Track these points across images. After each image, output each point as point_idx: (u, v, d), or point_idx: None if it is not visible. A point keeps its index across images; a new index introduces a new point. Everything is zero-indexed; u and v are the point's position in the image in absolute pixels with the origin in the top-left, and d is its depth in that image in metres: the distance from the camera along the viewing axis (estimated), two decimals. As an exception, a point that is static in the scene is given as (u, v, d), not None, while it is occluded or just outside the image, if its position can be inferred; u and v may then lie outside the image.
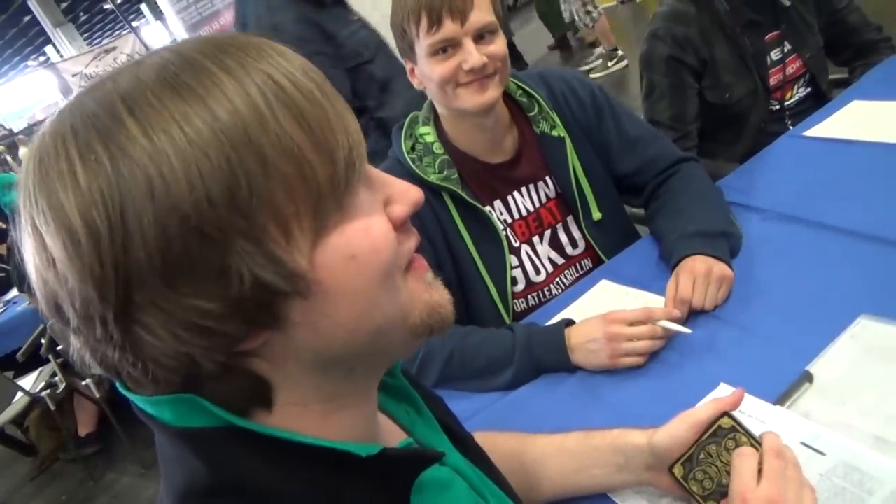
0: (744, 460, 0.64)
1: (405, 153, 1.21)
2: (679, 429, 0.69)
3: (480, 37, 1.10)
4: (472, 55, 1.09)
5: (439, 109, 1.24)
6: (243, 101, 0.37)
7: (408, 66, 1.19)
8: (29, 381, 3.16)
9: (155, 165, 0.35)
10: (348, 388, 0.47)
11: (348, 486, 0.44)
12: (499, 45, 1.13)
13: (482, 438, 0.84)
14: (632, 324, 0.98)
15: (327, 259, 0.40)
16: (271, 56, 0.40)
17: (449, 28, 1.08)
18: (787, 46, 1.69)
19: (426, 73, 1.14)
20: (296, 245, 0.39)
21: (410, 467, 0.48)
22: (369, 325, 0.43)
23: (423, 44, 1.11)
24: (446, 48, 1.10)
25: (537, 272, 1.30)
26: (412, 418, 0.59)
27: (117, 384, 0.42)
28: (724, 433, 0.68)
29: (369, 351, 0.45)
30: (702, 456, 0.68)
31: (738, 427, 0.67)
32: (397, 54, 1.29)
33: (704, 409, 0.69)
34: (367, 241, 0.42)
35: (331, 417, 0.46)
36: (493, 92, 1.14)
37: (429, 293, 0.47)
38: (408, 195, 0.46)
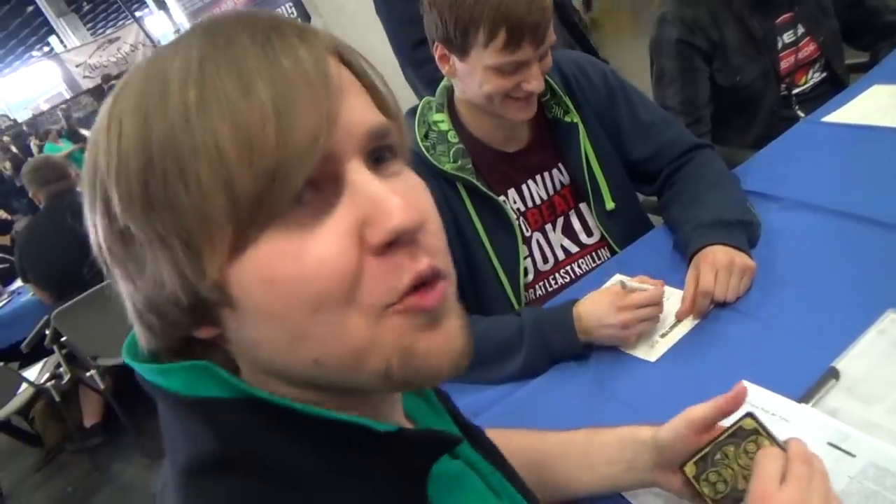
0: (769, 461, 0.59)
1: (419, 141, 1.17)
2: (680, 425, 0.66)
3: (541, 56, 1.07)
4: (538, 80, 1.06)
5: (461, 97, 1.19)
6: (177, 97, 0.36)
7: (439, 52, 1.12)
8: (34, 372, 3.15)
9: (104, 154, 0.37)
10: (343, 391, 0.42)
11: (364, 464, 0.41)
12: (550, 59, 1.10)
13: (492, 435, 0.81)
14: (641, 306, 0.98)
15: (244, 277, 0.36)
16: (244, 49, 0.36)
17: (526, 52, 1.03)
18: (801, 29, 1.64)
19: (476, 78, 1.08)
20: (210, 256, 0.36)
21: (429, 450, 0.44)
22: (304, 354, 0.39)
23: (488, 56, 1.04)
24: (514, 67, 1.05)
25: (545, 261, 1.27)
26: (423, 412, 0.56)
27: (124, 354, 0.42)
28: (744, 434, 0.63)
29: (326, 379, 0.40)
30: (718, 456, 0.63)
31: (760, 430, 0.63)
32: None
33: (705, 406, 0.65)
34: (292, 266, 0.36)
35: (331, 401, 0.42)
36: (535, 104, 1.13)
37: (412, 338, 0.39)
38: (388, 219, 0.37)
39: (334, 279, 0.36)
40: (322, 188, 0.38)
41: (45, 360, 3.21)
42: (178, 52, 0.37)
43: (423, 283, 0.39)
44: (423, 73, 1.77)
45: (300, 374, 0.40)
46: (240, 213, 0.35)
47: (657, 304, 0.99)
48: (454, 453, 0.52)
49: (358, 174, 0.38)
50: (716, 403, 0.64)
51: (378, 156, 0.41)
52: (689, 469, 0.64)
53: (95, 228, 0.39)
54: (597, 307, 1.00)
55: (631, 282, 1.02)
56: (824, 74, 1.71)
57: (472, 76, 1.09)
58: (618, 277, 1.04)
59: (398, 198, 0.38)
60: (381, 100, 0.44)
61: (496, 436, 0.81)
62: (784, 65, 1.65)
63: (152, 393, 0.41)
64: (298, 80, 0.36)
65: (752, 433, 0.63)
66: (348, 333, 0.38)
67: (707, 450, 0.64)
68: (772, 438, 0.62)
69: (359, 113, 0.40)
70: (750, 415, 0.64)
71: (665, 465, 0.68)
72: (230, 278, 0.37)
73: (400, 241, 0.38)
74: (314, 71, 0.37)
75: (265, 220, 0.36)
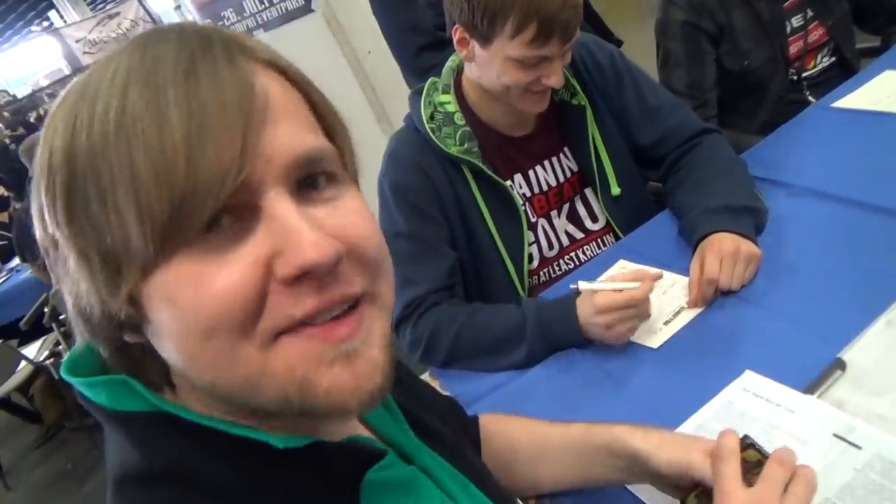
0: (724, 463, 0.57)
1: (425, 122, 1.15)
2: (680, 469, 0.63)
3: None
4: (558, 75, 1.04)
5: (471, 80, 1.17)
6: (100, 118, 0.36)
7: (458, 35, 1.08)
8: (33, 350, 3.15)
9: (39, 159, 0.38)
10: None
11: (280, 477, 0.41)
12: (570, 54, 1.08)
13: (489, 420, 0.80)
14: (623, 308, 0.93)
15: (152, 295, 0.37)
16: (180, 74, 0.36)
17: (553, 48, 1.01)
18: (810, 13, 1.61)
19: (495, 68, 1.06)
20: (125, 274, 0.36)
21: (351, 463, 0.44)
22: (203, 378, 0.39)
23: (513, 48, 1.01)
24: (537, 61, 1.03)
25: (550, 247, 1.25)
26: (380, 416, 0.55)
27: (62, 369, 0.43)
28: (749, 467, 0.59)
29: (233, 400, 0.40)
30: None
31: (764, 459, 0.59)
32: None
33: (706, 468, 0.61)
34: (191, 292, 0.36)
35: (258, 416, 0.42)
36: (549, 97, 1.11)
37: (314, 371, 0.38)
38: (297, 255, 0.36)
39: (228, 309, 0.36)
40: (240, 216, 0.37)
41: (44, 337, 3.21)
42: (111, 65, 0.37)
43: (334, 316, 0.39)
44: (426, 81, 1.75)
45: (207, 391, 0.40)
46: (152, 237, 0.35)
47: (641, 303, 0.93)
48: (409, 459, 0.51)
49: (277, 204, 0.37)
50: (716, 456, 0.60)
51: (310, 182, 0.40)
52: (691, 502, 0.62)
53: (36, 228, 0.40)
54: (584, 303, 0.97)
55: (589, 284, 0.97)
56: (833, 59, 1.68)
57: (490, 65, 1.07)
58: (621, 263, 1.02)
59: (314, 233, 0.37)
60: (325, 121, 0.43)
61: (493, 422, 0.81)
62: (793, 49, 1.62)
63: (88, 407, 0.42)
64: (215, 108, 0.35)
65: (757, 466, 0.59)
66: (239, 363, 0.37)
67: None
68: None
69: (284, 140, 0.38)
70: (751, 445, 0.60)
71: (657, 478, 0.66)
72: (142, 296, 0.37)
73: (310, 276, 0.37)
74: (234, 97, 0.36)
75: (175, 246, 0.36)
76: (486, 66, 1.08)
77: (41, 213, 0.38)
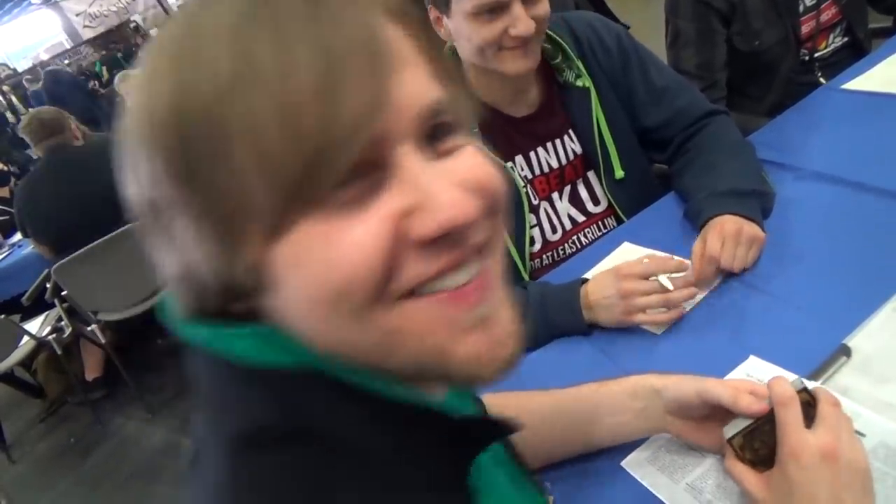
0: (788, 410, 0.58)
1: None
2: (693, 396, 0.66)
3: None
4: (523, 21, 1.01)
5: (466, 60, 1.15)
6: (210, 67, 0.32)
7: (433, 15, 1.10)
8: (35, 325, 3.16)
9: (137, 118, 0.35)
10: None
11: (425, 446, 0.39)
12: (544, 6, 1.05)
13: (496, 399, 0.80)
14: (646, 276, 0.93)
15: (278, 260, 0.34)
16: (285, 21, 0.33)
17: None
18: None
19: (463, 32, 1.05)
20: (247, 239, 0.34)
21: (485, 437, 0.43)
22: (332, 341, 0.37)
23: (465, 2, 1.01)
24: (493, 10, 1.01)
25: (553, 230, 1.24)
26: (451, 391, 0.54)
27: (167, 319, 0.40)
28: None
29: (360, 365, 0.37)
30: (767, 427, 0.61)
31: (811, 398, 0.60)
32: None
33: (725, 393, 0.63)
34: (321, 254, 0.34)
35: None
36: (535, 56, 1.08)
37: (450, 340, 0.36)
38: (439, 212, 0.34)
39: (361, 270, 0.34)
40: (368, 172, 0.34)
41: (46, 313, 3.21)
42: (215, 7, 0.34)
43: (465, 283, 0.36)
44: None
45: (334, 356, 0.37)
46: (280, 196, 0.32)
47: (664, 295, 0.92)
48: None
49: (409, 159, 0.35)
50: (736, 398, 0.62)
51: (435, 134, 0.37)
52: (738, 442, 0.63)
53: (130, 187, 0.37)
54: (601, 281, 0.97)
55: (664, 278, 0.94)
56: (845, 39, 1.65)
57: (460, 32, 1.07)
58: (626, 246, 1.01)
59: (453, 189, 0.35)
60: (439, 65, 0.40)
61: (500, 399, 0.80)
62: (805, 29, 1.59)
63: (201, 360, 0.38)
64: (345, 51, 0.32)
65: (805, 406, 0.59)
66: (370, 328, 0.35)
67: (759, 424, 0.62)
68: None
69: (413, 89, 0.36)
70: (804, 389, 0.60)
71: (676, 413, 0.69)
72: (266, 262, 0.34)
73: (448, 236, 0.35)
74: (363, 41, 0.33)
75: (304, 206, 0.33)
76: (459, 36, 1.08)
77: (140, 175, 0.35)
